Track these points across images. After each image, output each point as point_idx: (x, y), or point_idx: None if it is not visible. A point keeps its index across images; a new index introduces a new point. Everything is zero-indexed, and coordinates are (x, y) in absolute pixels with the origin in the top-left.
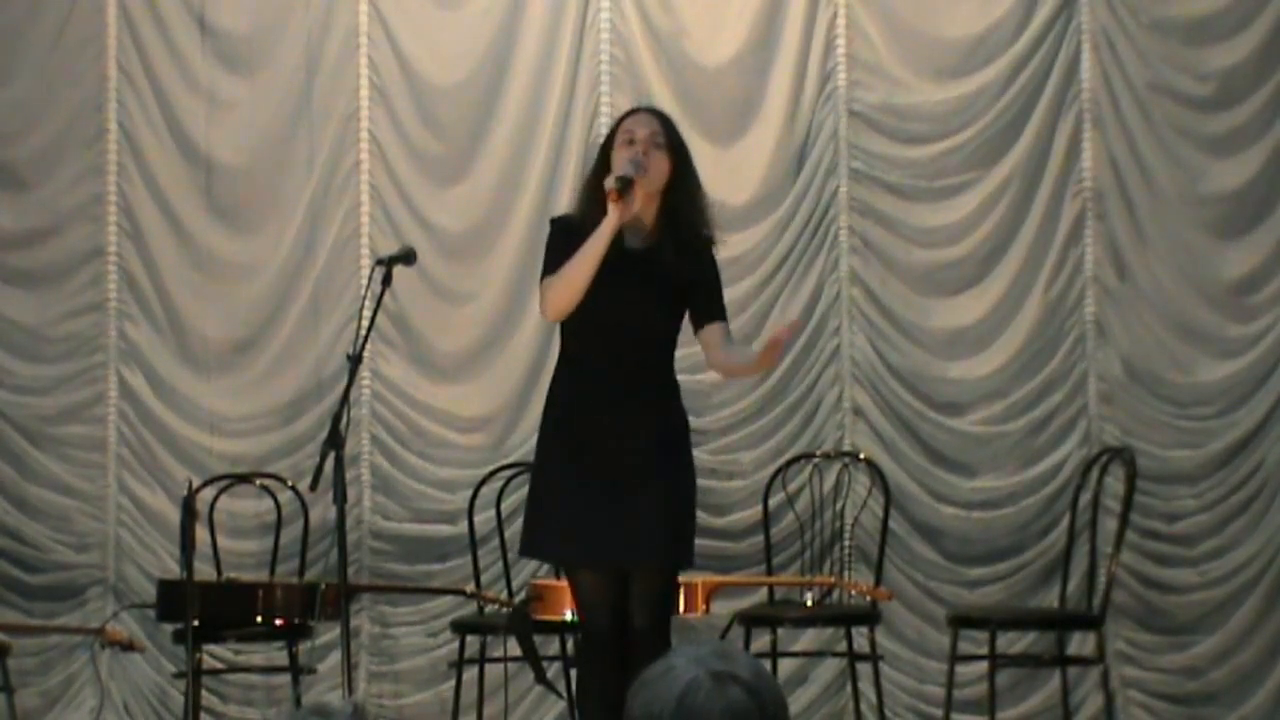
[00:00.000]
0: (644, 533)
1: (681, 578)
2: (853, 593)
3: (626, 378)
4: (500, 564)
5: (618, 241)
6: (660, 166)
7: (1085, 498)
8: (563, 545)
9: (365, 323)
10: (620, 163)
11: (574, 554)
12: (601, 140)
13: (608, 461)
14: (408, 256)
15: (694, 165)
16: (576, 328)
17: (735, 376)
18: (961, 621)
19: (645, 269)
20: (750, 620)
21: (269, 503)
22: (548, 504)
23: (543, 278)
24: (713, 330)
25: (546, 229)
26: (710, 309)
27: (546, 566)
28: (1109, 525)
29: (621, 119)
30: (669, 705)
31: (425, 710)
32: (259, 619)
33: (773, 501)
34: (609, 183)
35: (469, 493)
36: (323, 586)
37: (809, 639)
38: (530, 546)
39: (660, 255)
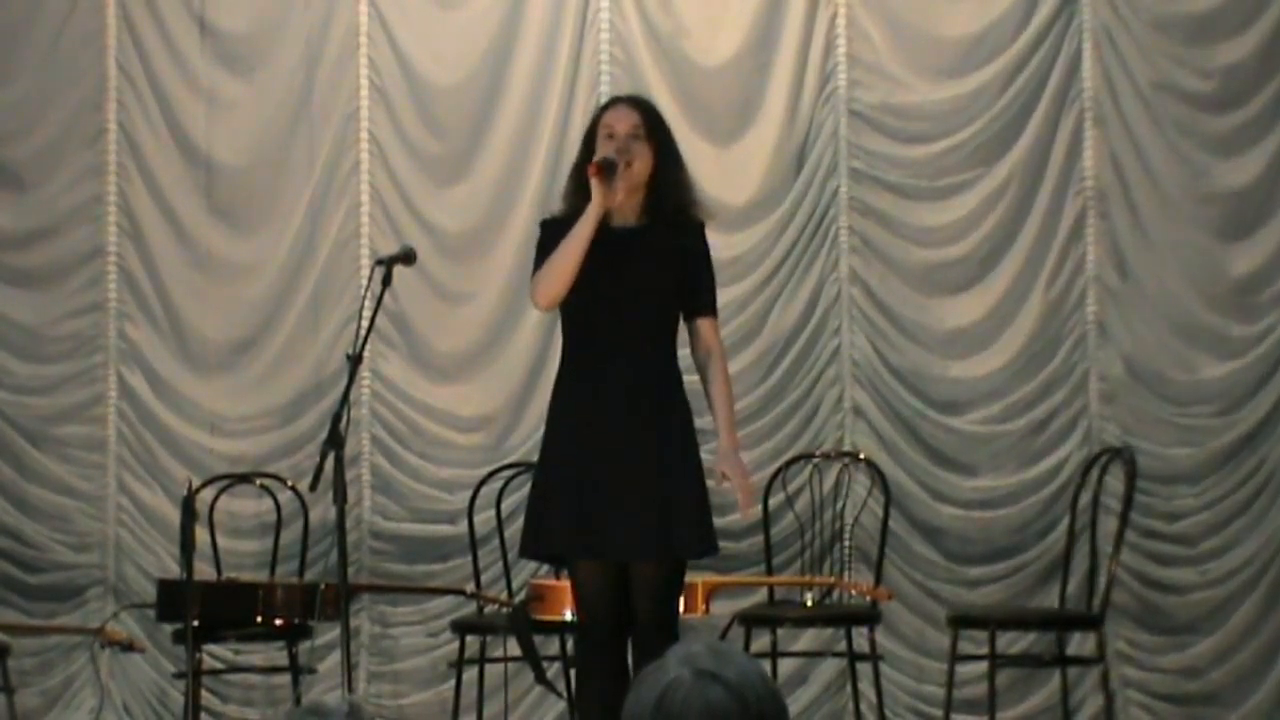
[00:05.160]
0: (641, 525)
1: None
2: (853, 593)
3: (627, 361)
4: (500, 564)
5: (605, 225)
6: (643, 159)
7: (1085, 497)
8: (563, 538)
9: (365, 323)
10: (607, 151)
11: (574, 546)
12: (584, 132)
13: (605, 451)
14: (408, 256)
15: (677, 150)
16: (574, 314)
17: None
18: (961, 621)
19: (635, 247)
20: (750, 620)
21: (269, 503)
22: (549, 498)
23: (533, 274)
24: (700, 325)
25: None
26: (697, 298)
27: (546, 566)
28: (1109, 525)
29: (601, 111)
30: (649, 704)
31: (425, 710)
32: (259, 619)
33: (773, 501)
34: (594, 160)
35: (469, 493)
36: (323, 586)
37: (809, 639)
38: (530, 542)
39: (649, 234)
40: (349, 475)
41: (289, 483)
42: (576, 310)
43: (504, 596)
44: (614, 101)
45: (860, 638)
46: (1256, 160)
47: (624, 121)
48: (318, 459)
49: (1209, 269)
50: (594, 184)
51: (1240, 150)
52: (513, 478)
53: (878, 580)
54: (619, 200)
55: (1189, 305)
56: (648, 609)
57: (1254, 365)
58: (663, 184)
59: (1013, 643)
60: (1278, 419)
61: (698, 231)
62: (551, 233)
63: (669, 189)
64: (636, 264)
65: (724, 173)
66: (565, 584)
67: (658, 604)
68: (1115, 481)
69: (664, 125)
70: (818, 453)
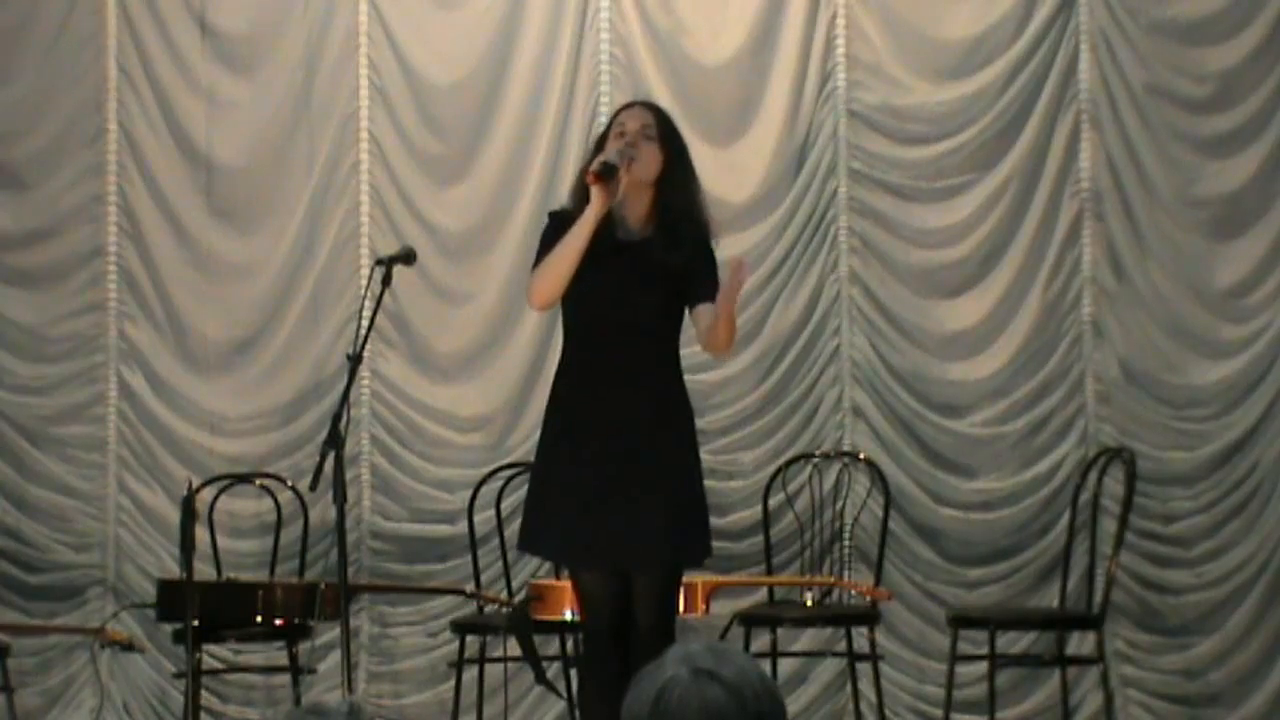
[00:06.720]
0: (645, 533)
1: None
2: (852, 593)
3: (624, 372)
4: (500, 564)
5: (610, 234)
6: (650, 158)
7: (1084, 498)
8: (564, 545)
9: (365, 323)
10: (609, 152)
11: (575, 554)
12: (598, 135)
13: (607, 457)
14: (407, 256)
15: (689, 158)
16: (573, 323)
17: (717, 345)
18: (961, 621)
19: (637, 261)
20: (750, 620)
21: (269, 503)
22: (549, 501)
23: (533, 269)
24: (701, 312)
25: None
26: (699, 291)
27: (546, 566)
28: (1108, 525)
29: (617, 113)
30: (647, 702)
31: (425, 710)
32: (259, 619)
33: (772, 501)
34: (592, 166)
35: (469, 493)
36: (323, 586)
37: (809, 639)
38: (530, 543)
39: (652, 247)
40: (349, 475)
41: (289, 483)
42: (579, 317)
43: (504, 596)
44: (630, 104)
45: (860, 638)
46: (1249, 163)
47: (636, 120)
48: (318, 459)
49: (1201, 271)
50: (593, 190)
51: (1233, 153)
52: (512, 478)
53: (878, 580)
54: (620, 196)
55: (1182, 307)
56: (650, 615)
57: (1247, 368)
58: (669, 187)
59: (1013, 643)
60: (1271, 422)
61: (702, 243)
62: (557, 225)
63: (675, 193)
64: (635, 280)
65: (724, 173)
66: (565, 584)
67: (660, 610)
68: (1114, 483)
69: (676, 132)
70: (818, 453)
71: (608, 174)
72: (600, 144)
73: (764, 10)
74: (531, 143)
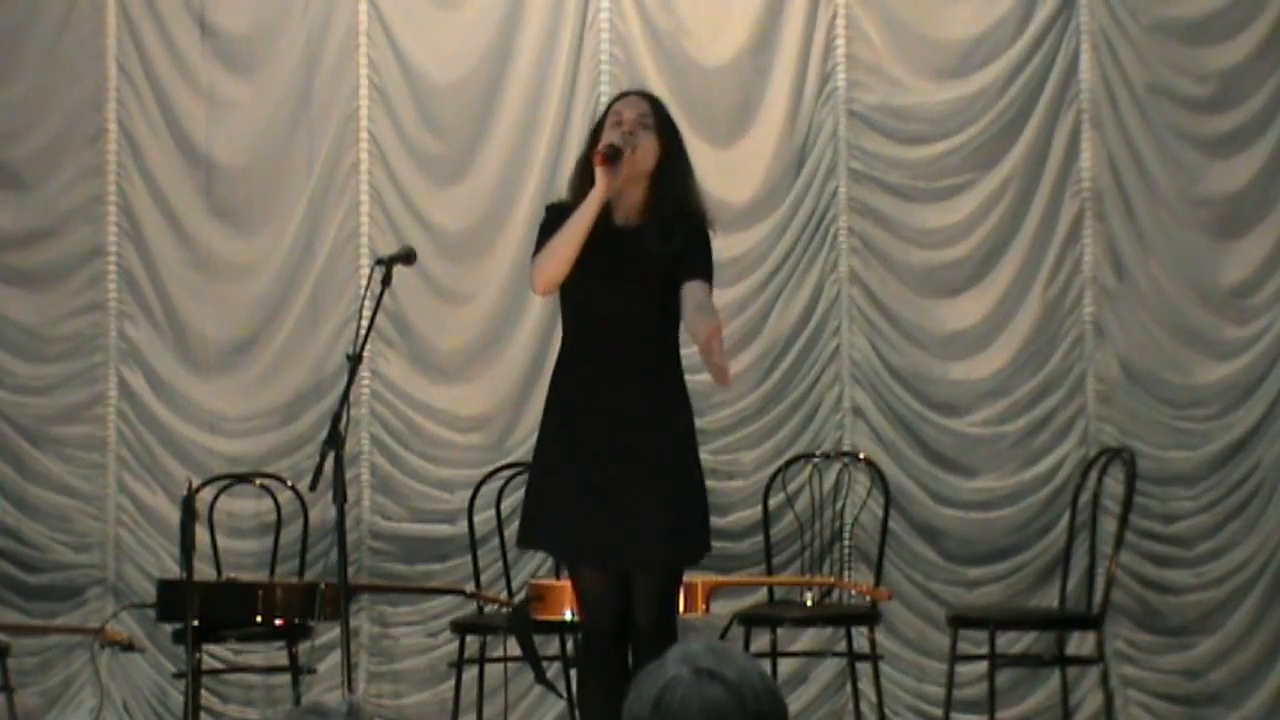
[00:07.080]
0: (645, 533)
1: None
2: (853, 593)
3: (621, 367)
4: (500, 564)
5: (606, 221)
6: (648, 147)
7: (1084, 498)
8: (563, 544)
9: (365, 322)
10: (612, 137)
11: (575, 552)
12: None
13: (607, 456)
14: (407, 256)
15: (684, 148)
16: (569, 311)
17: (708, 342)
18: (961, 621)
19: (631, 248)
20: (750, 620)
21: (269, 503)
22: (548, 498)
23: (533, 258)
24: (689, 288)
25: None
26: (690, 269)
27: (546, 566)
28: (1108, 525)
29: (612, 102)
30: (648, 702)
31: (425, 710)
32: (259, 619)
33: (773, 501)
34: (599, 147)
35: (469, 493)
36: (322, 586)
37: (809, 639)
38: (529, 539)
39: (646, 235)
40: (349, 475)
41: (289, 483)
42: (577, 307)
43: (504, 596)
44: (625, 93)
45: (860, 638)
46: (1251, 163)
47: (633, 109)
48: (318, 459)
49: (1203, 271)
50: (599, 172)
51: (1235, 153)
52: (512, 478)
53: (878, 580)
54: (619, 186)
55: (1184, 307)
56: (649, 615)
57: (1249, 368)
58: (664, 176)
59: (1013, 643)
60: (1272, 422)
61: (697, 228)
62: (555, 216)
63: (671, 181)
64: (628, 266)
65: (724, 173)
66: (565, 584)
67: (659, 610)
68: (1114, 482)
69: (672, 121)
70: (818, 453)
71: (615, 156)
72: (596, 133)
73: (764, 10)
74: (531, 143)
